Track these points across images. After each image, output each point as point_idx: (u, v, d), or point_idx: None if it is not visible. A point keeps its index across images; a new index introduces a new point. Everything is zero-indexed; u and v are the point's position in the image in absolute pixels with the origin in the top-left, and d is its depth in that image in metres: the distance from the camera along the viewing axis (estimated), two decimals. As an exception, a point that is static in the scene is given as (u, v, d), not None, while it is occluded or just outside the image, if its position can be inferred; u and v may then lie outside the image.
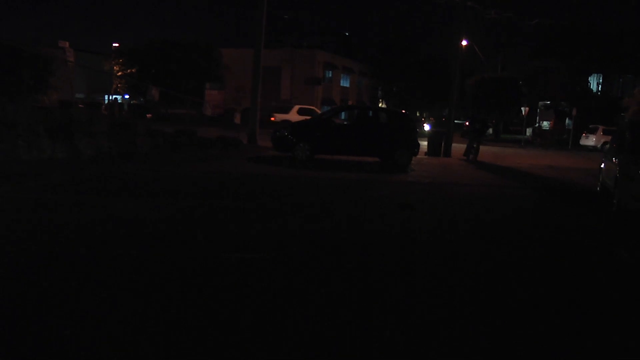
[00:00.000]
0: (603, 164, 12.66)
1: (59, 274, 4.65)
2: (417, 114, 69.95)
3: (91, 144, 13.32)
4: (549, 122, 47.65)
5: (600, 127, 37.34)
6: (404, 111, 21.46)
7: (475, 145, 21.48)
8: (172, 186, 10.23)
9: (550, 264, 6.20)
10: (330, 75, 58.69)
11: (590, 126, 38.73)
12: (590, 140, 37.32)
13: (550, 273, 5.78)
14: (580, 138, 38.89)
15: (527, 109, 46.91)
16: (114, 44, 49.68)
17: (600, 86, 50.08)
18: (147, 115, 41.89)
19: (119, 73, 44.09)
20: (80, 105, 27.14)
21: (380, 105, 69.13)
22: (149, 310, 3.94)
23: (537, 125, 50.06)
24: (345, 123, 17.11)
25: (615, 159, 10.94)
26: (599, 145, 35.95)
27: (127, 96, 52.64)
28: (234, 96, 51.34)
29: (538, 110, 50.20)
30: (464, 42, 25.50)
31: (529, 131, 50.66)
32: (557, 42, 43.13)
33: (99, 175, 10.85)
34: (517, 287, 5.16)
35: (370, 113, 18.84)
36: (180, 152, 15.80)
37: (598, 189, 12.90)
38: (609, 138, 35.39)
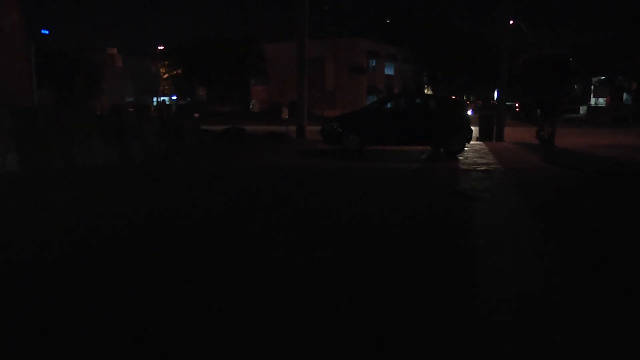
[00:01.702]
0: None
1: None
2: (464, 98, 68.62)
3: (143, 147, 13.49)
4: (604, 99, 45.97)
5: (661, 101, 35.75)
6: (453, 96, 20.97)
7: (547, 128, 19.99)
8: (225, 182, 10.21)
9: None
10: (374, 63, 58.17)
11: (650, 100, 37.15)
12: (651, 115, 35.81)
13: None
14: None
15: (580, 86, 45.29)
16: (159, 47, 50.52)
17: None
18: (195, 115, 42.54)
19: (165, 75, 44.87)
20: (130, 109, 27.74)
21: (426, 91, 68.17)
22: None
23: (591, 102, 48.34)
24: (394, 112, 16.73)
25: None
26: (661, 120, 34.51)
27: (174, 97, 53.57)
28: (279, 90, 51.48)
29: (592, 87, 48.48)
30: (511, 21, 24.62)
31: (583, 109, 48.99)
32: (609, 11, 41.29)
33: (152, 174, 10.93)
34: None
35: (419, 100, 18.46)
36: (230, 149, 15.86)
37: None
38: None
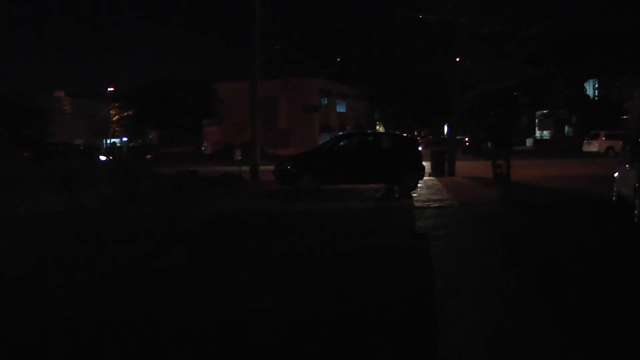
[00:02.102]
0: (617, 173, 12.32)
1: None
2: (415, 133, 69.92)
3: (93, 193, 13.09)
4: (548, 131, 47.56)
5: (602, 132, 37.16)
6: (405, 134, 21.25)
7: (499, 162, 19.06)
8: (176, 229, 9.95)
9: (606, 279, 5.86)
10: (326, 101, 58.75)
11: (591, 132, 38.53)
12: (593, 146, 37.12)
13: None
14: (582, 145, 38.67)
15: (526, 119, 46.85)
16: (108, 88, 49.90)
17: (596, 91, 50.06)
18: (147, 157, 41.85)
19: (116, 117, 44.20)
20: (78, 154, 27.06)
21: (377, 127, 69.21)
22: None
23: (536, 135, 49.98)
24: (348, 151, 16.77)
25: (631, 168, 10.64)
26: (602, 151, 35.81)
27: (125, 139, 52.71)
28: (232, 131, 51.23)
29: (537, 120, 50.12)
30: (458, 58, 25.37)
31: (529, 141, 50.48)
32: (552, 49, 43.10)
33: (99, 224, 10.57)
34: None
35: (373, 138, 18.60)
36: (184, 192, 15.55)
37: (614, 198, 12.54)
38: (612, 143, 35.38)
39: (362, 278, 6.43)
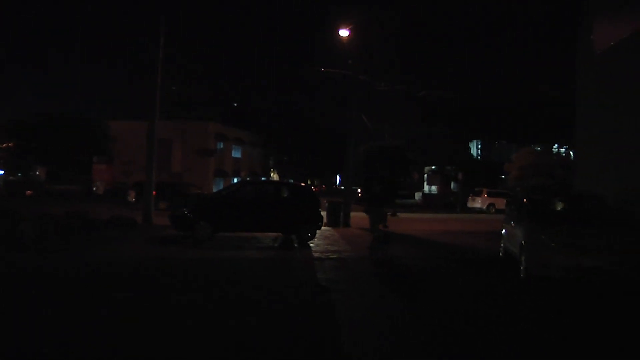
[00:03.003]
0: (504, 230, 13.09)
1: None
2: (308, 182, 71.07)
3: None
4: (436, 187, 50.12)
5: (484, 190, 39.66)
6: (303, 184, 21.46)
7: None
8: (62, 279, 9.27)
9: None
10: (221, 146, 58.28)
11: (475, 189, 41.02)
12: (477, 203, 39.45)
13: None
14: (467, 200, 40.98)
15: (415, 174, 49.10)
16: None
17: (479, 151, 53.73)
18: (27, 193, 39.19)
19: (-8, 149, 41.24)
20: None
21: (272, 174, 69.54)
22: None
23: (425, 189, 52.44)
24: (247, 198, 16.62)
25: (516, 226, 11.35)
26: (484, 207, 38.18)
27: (1, 172, 49.15)
28: (122, 170, 49.37)
29: (425, 175, 52.73)
30: (356, 110, 26.27)
31: (417, 195, 52.86)
32: (441, 111, 46.07)
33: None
34: None
35: (273, 187, 18.59)
36: (72, 236, 14.50)
37: (501, 254, 13.27)
38: (493, 200, 37.88)
39: (265, 331, 6.27)
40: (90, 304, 7.46)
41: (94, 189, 28.98)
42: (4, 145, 42.74)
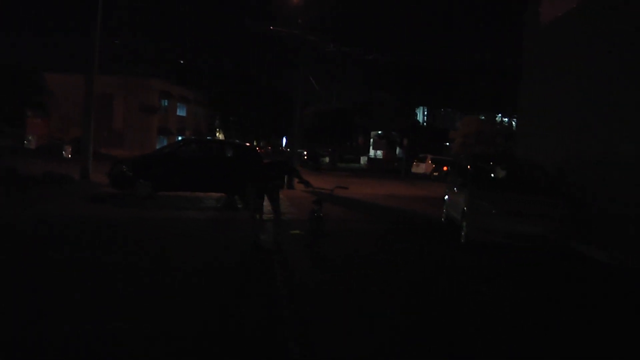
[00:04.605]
0: (447, 196, 13.22)
1: None
2: (254, 143, 70.47)
3: None
4: (381, 152, 50.46)
5: (429, 156, 40.12)
6: (248, 144, 21.08)
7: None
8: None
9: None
10: (166, 104, 56.79)
11: (419, 155, 41.45)
12: (421, 169, 39.90)
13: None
14: (411, 166, 41.42)
15: (361, 139, 49.25)
16: None
17: (425, 118, 54.31)
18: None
19: None
20: None
21: (217, 134, 68.45)
22: None
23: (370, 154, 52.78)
24: (190, 157, 16.15)
25: (459, 193, 11.45)
26: (428, 173, 38.69)
27: None
28: (61, 125, 47.41)
29: (371, 140, 52.97)
30: (304, 72, 25.88)
31: (363, 160, 53.19)
32: (389, 76, 46.12)
33: None
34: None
35: (215, 146, 18.13)
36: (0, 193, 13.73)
37: (443, 219, 13.43)
38: (436, 166, 38.47)
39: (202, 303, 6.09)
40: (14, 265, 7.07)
41: (26, 143, 27.37)
42: None
